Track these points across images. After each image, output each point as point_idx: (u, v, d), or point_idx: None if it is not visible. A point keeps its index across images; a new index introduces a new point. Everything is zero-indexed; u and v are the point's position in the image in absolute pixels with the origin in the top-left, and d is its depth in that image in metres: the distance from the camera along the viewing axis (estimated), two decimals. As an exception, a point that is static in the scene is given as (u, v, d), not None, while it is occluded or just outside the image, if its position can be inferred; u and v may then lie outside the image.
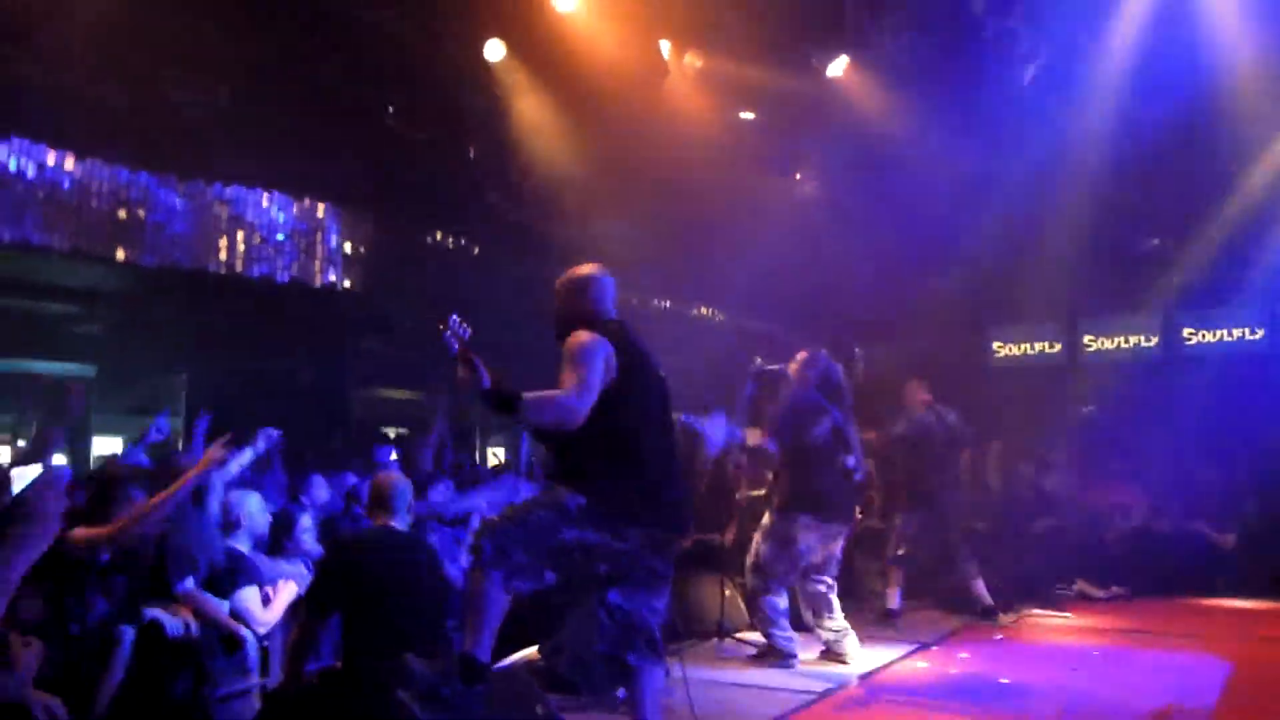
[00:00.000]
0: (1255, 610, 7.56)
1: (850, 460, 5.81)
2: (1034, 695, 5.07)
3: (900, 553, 7.21)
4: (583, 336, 3.63)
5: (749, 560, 5.89)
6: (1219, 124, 8.89)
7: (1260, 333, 11.39)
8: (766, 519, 5.87)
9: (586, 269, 3.94)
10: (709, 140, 9.03)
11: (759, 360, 6.44)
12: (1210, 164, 9.73)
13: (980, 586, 7.18)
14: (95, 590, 4.19)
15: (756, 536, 5.90)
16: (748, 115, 9.52)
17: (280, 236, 9.67)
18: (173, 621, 4.39)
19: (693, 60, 8.77)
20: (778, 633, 5.78)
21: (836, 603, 5.94)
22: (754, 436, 5.88)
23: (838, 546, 5.97)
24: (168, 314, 9.08)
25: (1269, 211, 9.52)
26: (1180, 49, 8.08)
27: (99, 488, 4.50)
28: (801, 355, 6.00)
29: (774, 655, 5.78)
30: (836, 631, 5.86)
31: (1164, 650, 6.24)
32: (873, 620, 6.88)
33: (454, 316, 3.66)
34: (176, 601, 4.53)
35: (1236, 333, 11.51)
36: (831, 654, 5.88)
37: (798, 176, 10.88)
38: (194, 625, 4.48)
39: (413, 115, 9.00)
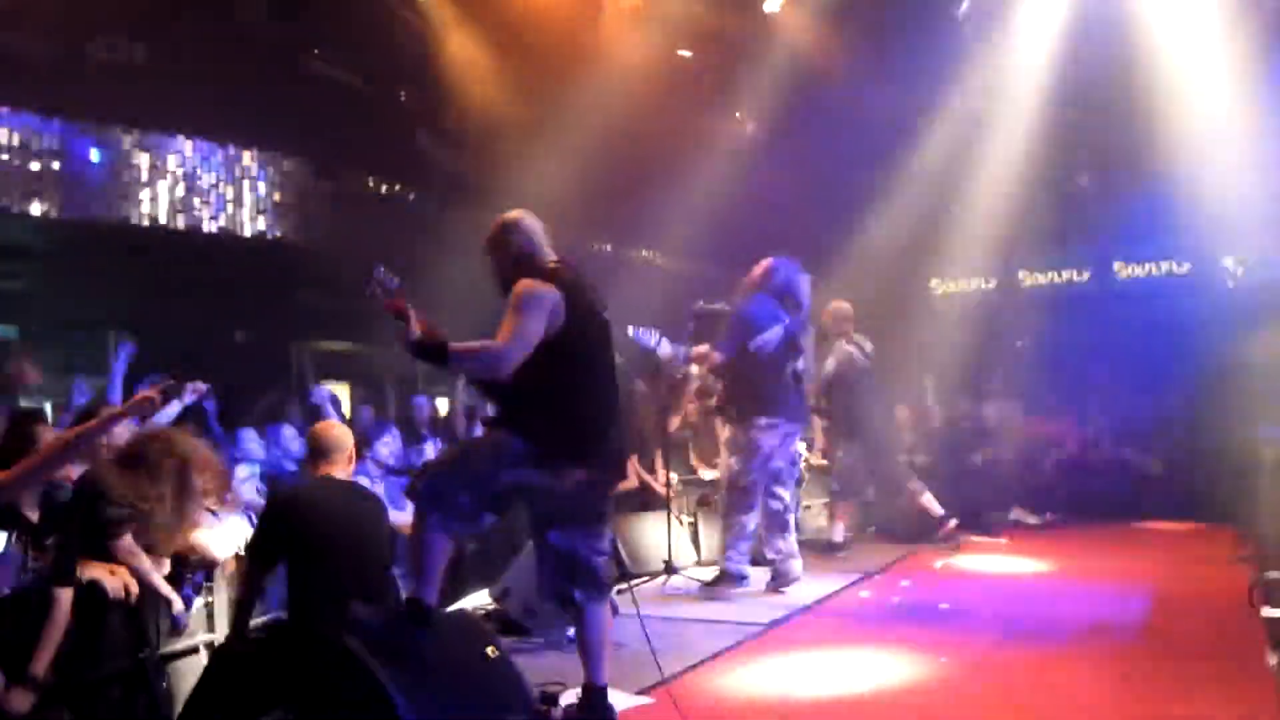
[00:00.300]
0: (1177, 531, 7.87)
1: (799, 365, 5.88)
2: (974, 618, 5.24)
3: (837, 487, 7.36)
4: (530, 284, 3.58)
5: (721, 479, 6.01)
6: (1152, 62, 8.99)
7: (1187, 266, 11.70)
8: (726, 432, 5.93)
9: (509, 215, 3.86)
10: (646, 79, 8.90)
11: (700, 302, 6.48)
12: (1142, 101, 9.85)
13: (929, 498, 7.37)
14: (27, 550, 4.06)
15: (722, 455, 5.99)
16: (685, 53, 9.39)
17: (205, 185, 9.35)
18: (111, 582, 4.29)
19: (627, -3, 8.63)
20: (733, 554, 5.88)
21: (792, 523, 6.09)
22: (700, 350, 5.91)
23: (794, 450, 6.10)
24: (91, 269, 8.77)
25: (1197, 149, 9.70)
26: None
27: (8, 429, 4.34)
28: (765, 263, 5.99)
29: (724, 580, 5.88)
30: (784, 554, 5.97)
31: (1095, 573, 6.47)
32: (817, 553, 7.01)
33: (379, 267, 3.60)
34: (114, 560, 4.42)
35: (1165, 266, 11.80)
36: (777, 577, 5.97)
37: (737, 115, 10.81)
38: (133, 585, 4.39)
39: (340, 57, 8.73)
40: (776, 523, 6.01)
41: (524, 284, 3.58)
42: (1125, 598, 5.59)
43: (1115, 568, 6.61)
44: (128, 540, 4.41)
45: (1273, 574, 3.97)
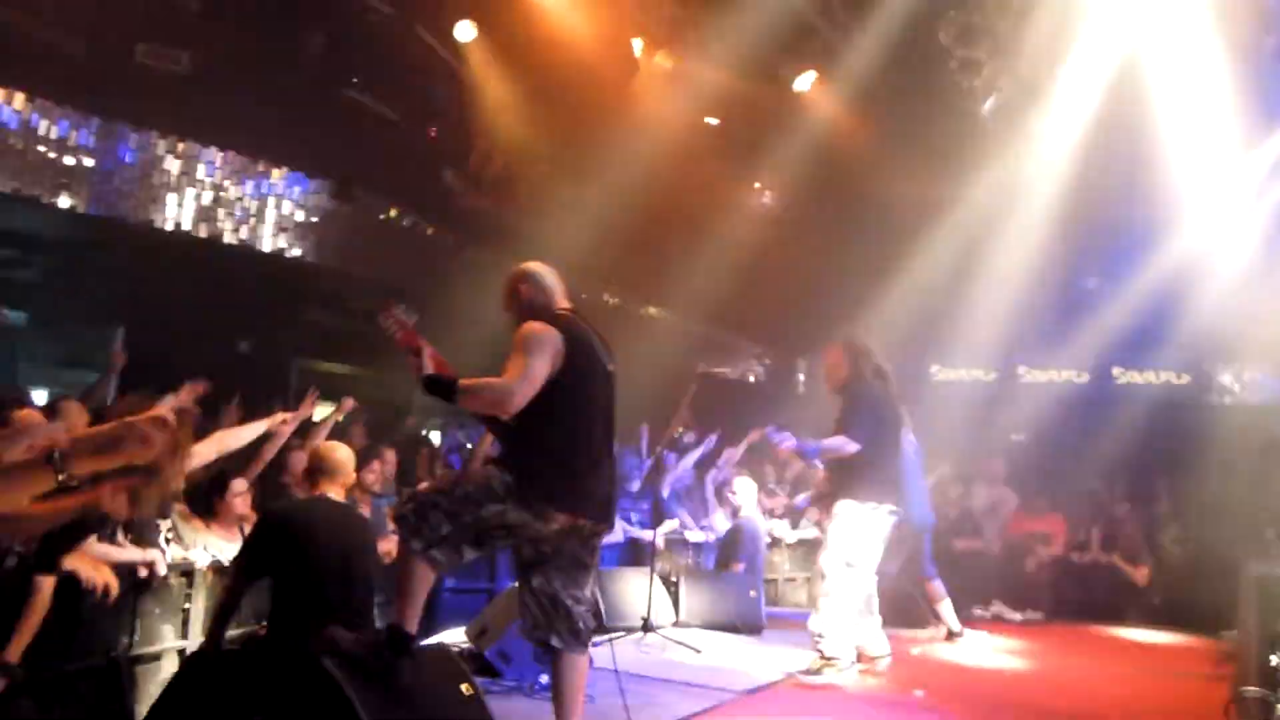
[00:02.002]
0: (1159, 640, 7.84)
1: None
2: (948, 709, 5.20)
3: None
4: (534, 326, 3.68)
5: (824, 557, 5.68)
6: (1160, 178, 9.17)
7: (1186, 378, 11.79)
8: (849, 510, 5.62)
9: (522, 266, 4.00)
10: (672, 141, 9.05)
11: (702, 365, 6.54)
12: (1148, 213, 10.05)
13: (949, 607, 7.21)
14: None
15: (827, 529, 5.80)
16: (712, 120, 9.57)
17: (231, 198, 9.48)
18: (92, 576, 4.29)
19: (663, 61, 8.79)
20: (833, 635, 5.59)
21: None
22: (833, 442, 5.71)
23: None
24: (108, 266, 8.85)
25: (1199, 264, 9.86)
26: (1130, 100, 8.34)
27: None
28: (843, 346, 5.90)
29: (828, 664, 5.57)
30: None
31: (1073, 674, 6.44)
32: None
33: (399, 304, 3.70)
34: (92, 555, 4.42)
35: (1164, 376, 11.89)
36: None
37: (756, 185, 10.97)
38: (114, 584, 4.38)
39: (377, 89, 8.90)
40: (871, 603, 5.92)
41: (528, 326, 3.69)
42: (1102, 700, 5.57)
43: (1094, 670, 6.59)
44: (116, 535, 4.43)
45: (1249, 690, 3.98)
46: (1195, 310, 10.26)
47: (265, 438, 5.08)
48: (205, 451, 4.53)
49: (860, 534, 5.58)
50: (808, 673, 5.56)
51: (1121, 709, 5.43)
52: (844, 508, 5.61)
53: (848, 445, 5.54)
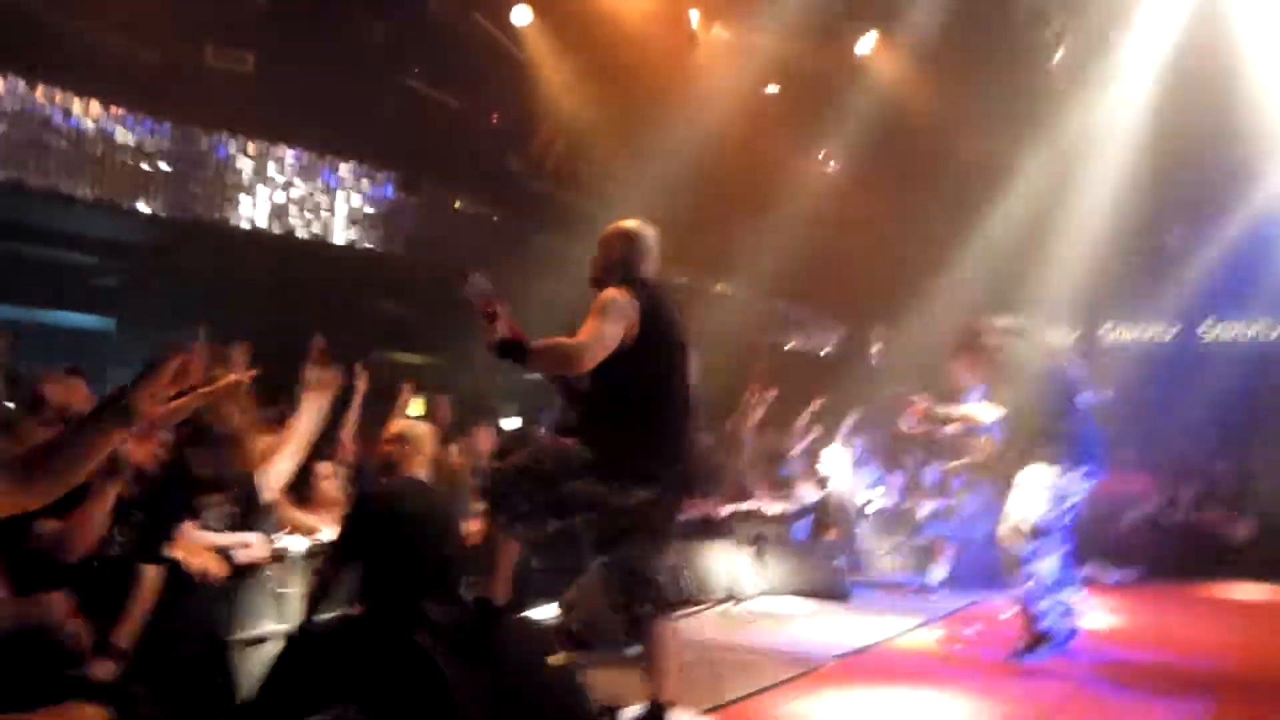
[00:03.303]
0: (1260, 597, 7.57)
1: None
2: (1041, 670, 5.07)
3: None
4: (612, 292, 3.64)
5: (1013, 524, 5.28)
6: (1244, 122, 8.81)
7: (1276, 333, 11.36)
8: (1041, 475, 5.24)
9: (627, 223, 3.95)
10: (734, 113, 8.97)
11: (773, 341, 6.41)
12: (1231, 158, 9.66)
13: None
14: (114, 523, 4.19)
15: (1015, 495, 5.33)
16: (774, 89, 9.46)
17: (302, 194, 9.66)
18: (195, 564, 4.41)
19: (720, 32, 8.71)
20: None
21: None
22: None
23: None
24: (188, 268, 9.09)
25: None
26: (1207, 39, 8.02)
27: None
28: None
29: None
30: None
31: (1172, 634, 6.26)
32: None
33: (476, 273, 3.70)
34: (190, 540, 4.54)
35: (1253, 329, 11.47)
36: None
37: (822, 154, 10.83)
38: (213, 570, 4.50)
39: (438, 78, 8.99)
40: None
41: (608, 291, 3.65)
42: (1204, 659, 5.40)
43: (1194, 629, 6.39)
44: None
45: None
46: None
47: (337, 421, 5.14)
48: (287, 459, 4.64)
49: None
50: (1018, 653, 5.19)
51: (1226, 669, 5.26)
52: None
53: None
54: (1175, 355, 11.50)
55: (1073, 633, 5.23)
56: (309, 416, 4.83)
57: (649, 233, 3.93)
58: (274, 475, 4.75)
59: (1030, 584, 5.12)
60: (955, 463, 7.62)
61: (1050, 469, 5.17)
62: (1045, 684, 4.77)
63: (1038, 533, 5.12)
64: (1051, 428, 5.21)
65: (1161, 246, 11.28)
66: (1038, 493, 5.17)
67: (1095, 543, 8.32)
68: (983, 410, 5.47)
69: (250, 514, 4.79)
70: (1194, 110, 8.94)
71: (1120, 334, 11.97)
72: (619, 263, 3.82)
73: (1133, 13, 8.19)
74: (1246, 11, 7.87)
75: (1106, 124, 9.31)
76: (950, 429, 6.69)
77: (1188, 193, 10.72)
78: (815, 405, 8.50)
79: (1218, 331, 11.66)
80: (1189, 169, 10.23)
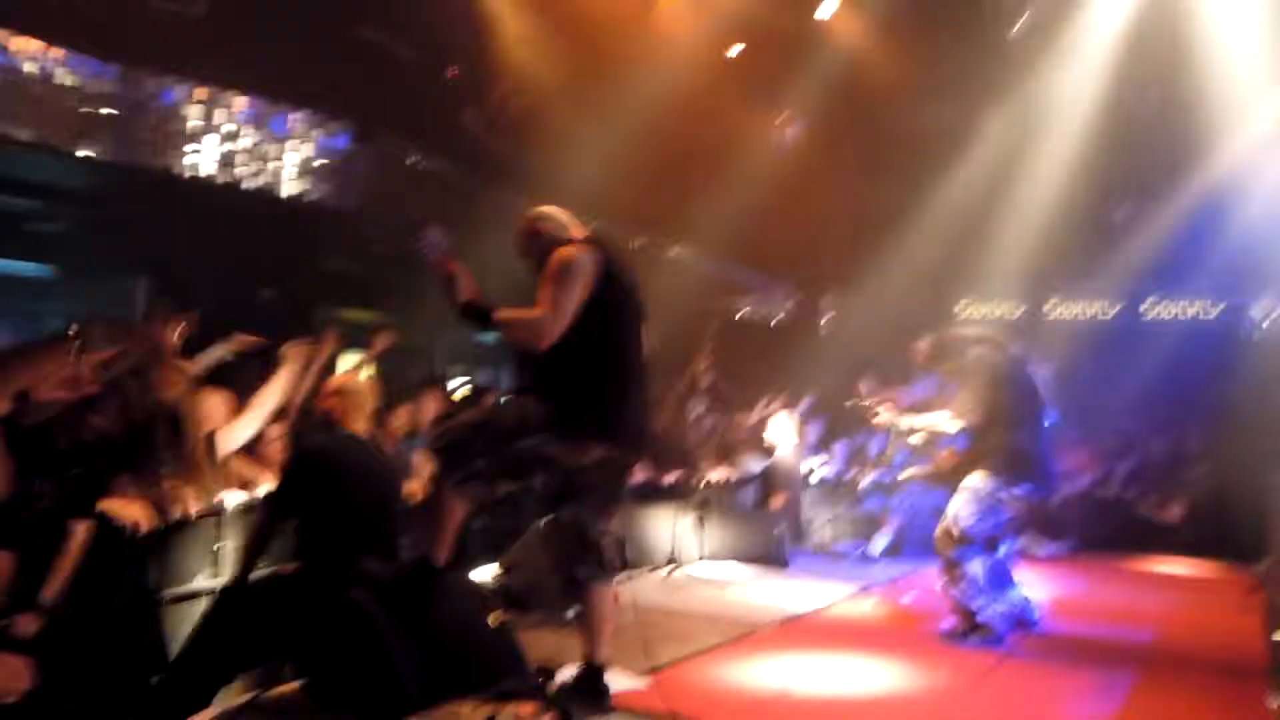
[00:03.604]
0: (1189, 572, 7.79)
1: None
2: (968, 640, 5.18)
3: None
4: (567, 252, 3.56)
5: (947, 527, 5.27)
6: (1194, 98, 8.91)
7: (1216, 310, 11.60)
8: (978, 483, 5.23)
9: (534, 210, 3.91)
10: (693, 75, 8.89)
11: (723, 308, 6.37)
12: (1184, 137, 9.78)
13: None
14: (46, 477, 4.11)
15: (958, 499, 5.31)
16: (734, 52, 9.38)
17: (250, 143, 9.41)
18: (126, 515, 4.34)
19: (684, -11, 8.63)
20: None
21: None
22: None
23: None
24: (129, 215, 8.83)
25: (1235, 189, 9.62)
26: (1167, 13, 8.09)
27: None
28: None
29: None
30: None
31: (1101, 605, 6.43)
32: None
33: (434, 228, 3.63)
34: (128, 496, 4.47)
35: (1192, 310, 11.70)
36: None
37: (780, 118, 10.79)
38: (143, 519, 4.42)
39: (394, 30, 8.78)
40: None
41: (562, 251, 3.56)
42: (1131, 630, 5.56)
43: (1123, 600, 6.58)
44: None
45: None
46: (1227, 240, 10.05)
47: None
48: (249, 424, 4.58)
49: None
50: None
51: (1149, 639, 5.42)
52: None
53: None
54: (1117, 332, 11.71)
55: (1010, 631, 5.22)
56: (278, 387, 4.75)
57: (557, 208, 3.91)
58: (232, 438, 4.69)
59: (963, 584, 5.18)
60: (911, 470, 7.66)
61: (988, 479, 5.20)
62: (975, 652, 4.88)
63: (964, 539, 5.18)
64: (1003, 439, 5.23)
65: (1109, 223, 11.44)
66: (970, 501, 5.23)
67: (1029, 516, 8.52)
68: (946, 421, 5.48)
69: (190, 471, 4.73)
70: (1146, 85, 9.04)
71: (1064, 310, 12.16)
72: (554, 238, 3.75)
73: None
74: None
75: (1061, 96, 9.37)
76: (914, 439, 6.72)
77: (1136, 168, 10.85)
78: (774, 401, 8.51)
79: (1159, 310, 11.89)
80: (1139, 145, 10.35)
